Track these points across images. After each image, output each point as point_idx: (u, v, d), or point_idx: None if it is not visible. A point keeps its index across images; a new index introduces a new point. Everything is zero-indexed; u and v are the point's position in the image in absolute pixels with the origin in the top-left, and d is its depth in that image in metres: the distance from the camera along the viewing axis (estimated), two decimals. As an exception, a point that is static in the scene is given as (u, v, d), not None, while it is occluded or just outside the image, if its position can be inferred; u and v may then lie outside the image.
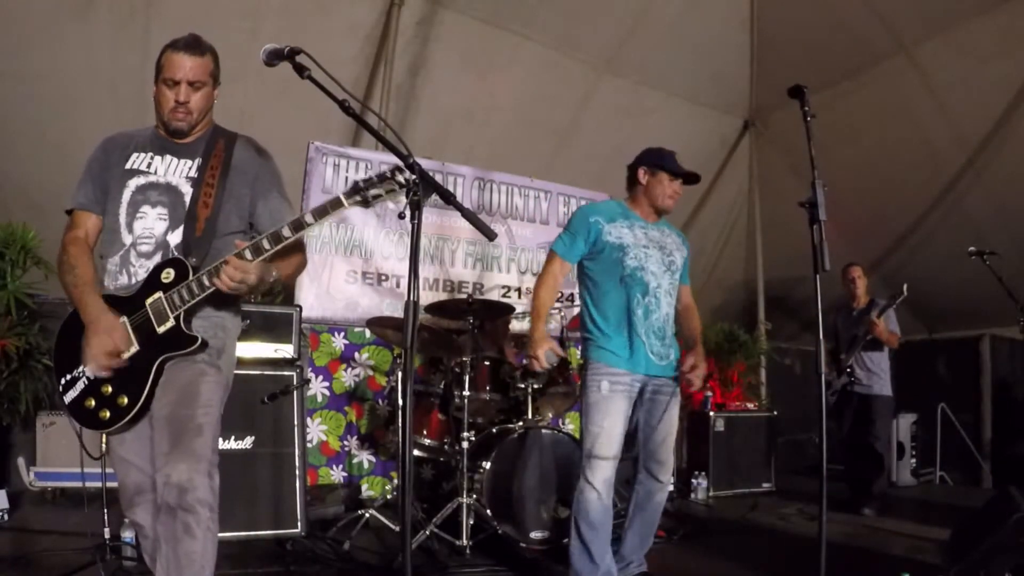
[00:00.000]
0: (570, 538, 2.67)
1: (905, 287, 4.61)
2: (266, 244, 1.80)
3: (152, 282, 1.86)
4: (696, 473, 5.26)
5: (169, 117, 1.95)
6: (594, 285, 2.78)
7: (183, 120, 1.95)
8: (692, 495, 5.17)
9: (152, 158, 1.98)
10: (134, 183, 1.95)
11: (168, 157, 1.98)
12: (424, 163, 2.04)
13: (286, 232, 1.80)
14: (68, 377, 1.89)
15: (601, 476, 2.59)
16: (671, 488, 2.88)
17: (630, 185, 2.88)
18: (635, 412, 2.76)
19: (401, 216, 1.70)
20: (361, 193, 1.75)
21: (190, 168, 1.98)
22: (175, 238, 1.92)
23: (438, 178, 4.12)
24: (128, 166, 1.96)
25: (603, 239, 2.72)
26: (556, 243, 2.82)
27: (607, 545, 2.61)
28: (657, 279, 2.71)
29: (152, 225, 1.92)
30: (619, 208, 2.85)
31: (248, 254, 1.79)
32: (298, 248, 2.01)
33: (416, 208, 1.68)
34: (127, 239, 1.92)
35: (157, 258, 1.91)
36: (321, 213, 1.80)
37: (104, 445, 2.91)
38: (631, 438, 2.76)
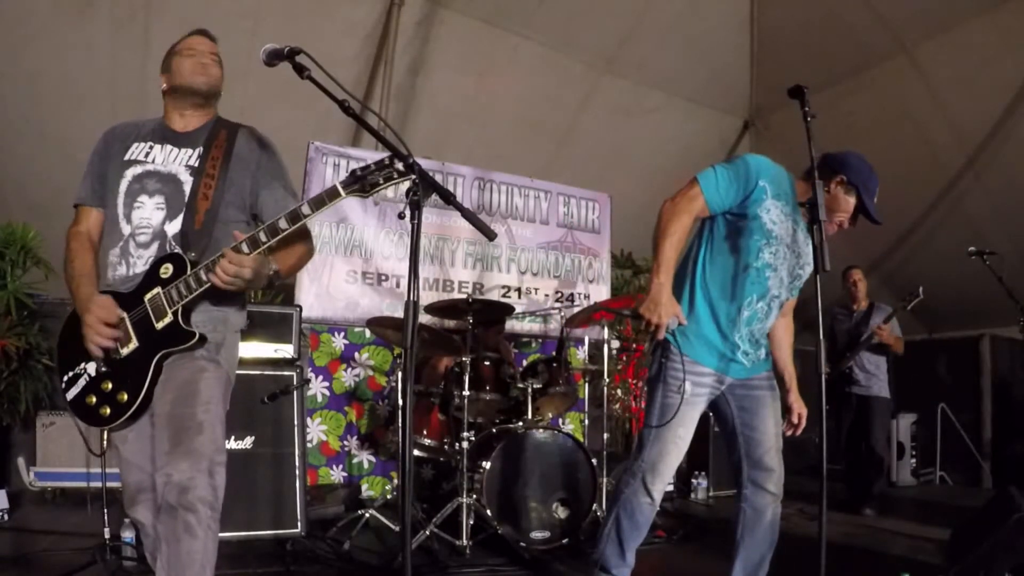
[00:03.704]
0: (603, 525, 2.40)
1: (921, 289, 4.62)
2: (263, 236, 1.77)
3: (151, 277, 1.85)
4: (696, 473, 5.26)
5: (191, 79, 1.98)
6: (713, 254, 2.30)
7: (204, 79, 1.98)
8: (692, 495, 5.17)
9: (151, 147, 1.97)
10: (131, 172, 1.94)
11: (168, 146, 1.98)
12: (424, 163, 2.04)
13: (283, 224, 1.78)
14: (70, 374, 1.89)
15: (661, 485, 2.30)
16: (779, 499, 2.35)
17: (815, 174, 2.21)
18: (724, 414, 2.40)
19: (401, 216, 1.69)
20: (360, 182, 1.73)
21: (190, 157, 1.97)
22: (172, 228, 1.91)
23: (438, 178, 4.12)
24: (127, 156, 1.96)
25: (758, 211, 2.20)
26: (706, 177, 2.21)
27: (639, 541, 2.38)
28: (779, 287, 2.29)
29: (149, 215, 1.91)
30: (788, 188, 2.28)
31: (245, 247, 1.77)
32: (301, 238, 1.99)
33: (416, 208, 1.67)
34: (126, 229, 1.92)
35: (154, 248, 1.90)
36: (318, 204, 1.77)
37: (105, 442, 2.92)
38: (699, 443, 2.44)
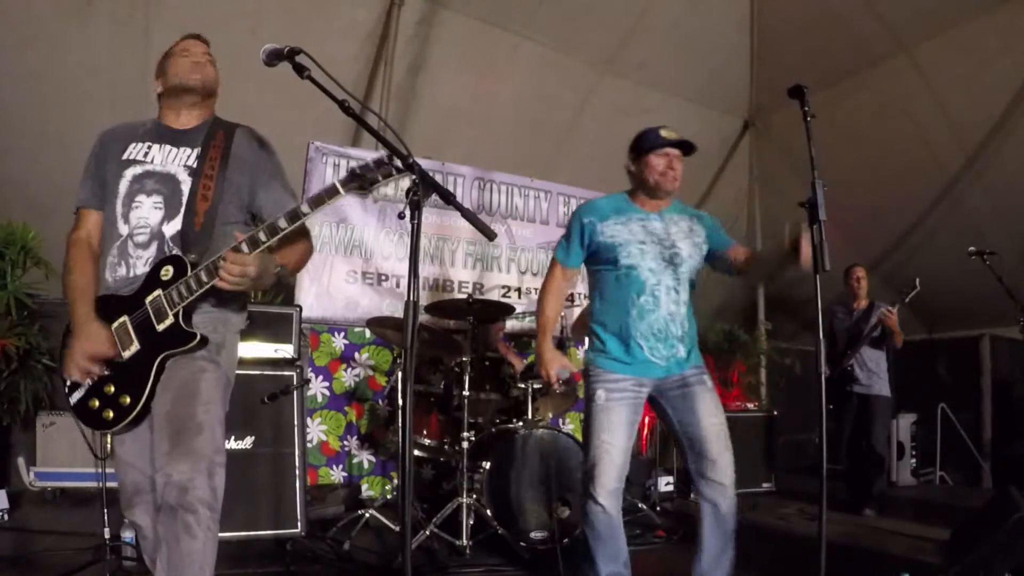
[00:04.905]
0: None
1: (918, 281, 4.61)
2: (262, 236, 1.77)
3: (152, 279, 1.85)
4: (696, 473, 5.25)
5: (186, 77, 1.98)
6: (595, 286, 2.66)
7: (198, 76, 1.99)
8: (692, 495, 5.16)
9: (150, 147, 1.97)
10: (130, 173, 1.94)
11: (167, 146, 1.98)
12: (424, 163, 2.04)
13: (282, 223, 1.78)
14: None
15: (604, 491, 2.41)
16: (732, 495, 2.49)
17: (630, 179, 2.72)
18: (664, 417, 2.55)
19: (401, 216, 1.70)
20: (358, 180, 1.73)
21: (189, 157, 1.97)
22: (170, 229, 1.90)
23: (438, 178, 4.12)
24: (125, 157, 1.96)
25: (597, 239, 2.56)
26: (557, 248, 2.71)
27: (616, 553, 2.46)
28: (656, 276, 2.50)
29: (147, 215, 1.91)
30: (617, 203, 2.65)
31: (245, 247, 1.77)
32: (301, 236, 1.99)
33: (416, 208, 1.67)
34: (123, 230, 1.91)
35: (153, 248, 1.90)
36: (318, 202, 1.77)
37: (109, 445, 2.92)
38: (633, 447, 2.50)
